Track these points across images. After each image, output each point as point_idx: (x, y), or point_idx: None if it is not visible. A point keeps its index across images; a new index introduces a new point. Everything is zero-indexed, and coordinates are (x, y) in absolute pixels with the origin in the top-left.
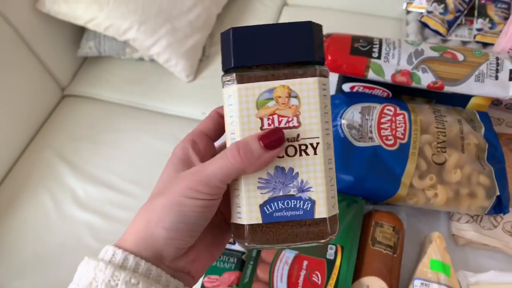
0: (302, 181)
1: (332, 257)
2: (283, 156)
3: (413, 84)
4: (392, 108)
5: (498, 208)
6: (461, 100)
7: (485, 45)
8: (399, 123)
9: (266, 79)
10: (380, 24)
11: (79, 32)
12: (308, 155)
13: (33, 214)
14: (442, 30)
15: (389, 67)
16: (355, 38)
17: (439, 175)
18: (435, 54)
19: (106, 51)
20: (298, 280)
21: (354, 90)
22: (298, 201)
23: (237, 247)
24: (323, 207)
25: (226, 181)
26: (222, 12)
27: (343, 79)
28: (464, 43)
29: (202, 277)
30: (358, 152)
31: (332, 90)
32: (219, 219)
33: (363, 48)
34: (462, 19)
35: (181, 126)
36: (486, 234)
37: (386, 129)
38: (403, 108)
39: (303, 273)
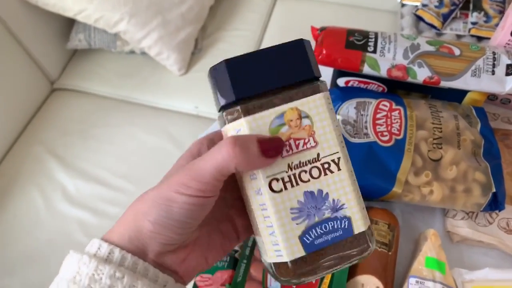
0: (333, 200)
1: None
2: (308, 180)
3: (409, 79)
4: (387, 104)
5: (494, 205)
6: (457, 95)
7: (480, 39)
8: (394, 119)
9: (273, 105)
10: (374, 17)
11: (69, 24)
12: (333, 172)
13: (23, 210)
14: (437, 23)
15: (384, 61)
16: (350, 32)
17: (435, 172)
18: (431, 48)
19: (96, 43)
20: None
21: (349, 84)
22: (335, 222)
23: None
24: (359, 221)
25: (219, 177)
26: (214, 4)
27: (338, 74)
28: (459, 36)
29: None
30: (353, 148)
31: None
32: (225, 226)
33: (358, 42)
34: (457, 13)
35: (173, 120)
36: (481, 231)
37: (381, 125)
38: (399, 103)
39: None
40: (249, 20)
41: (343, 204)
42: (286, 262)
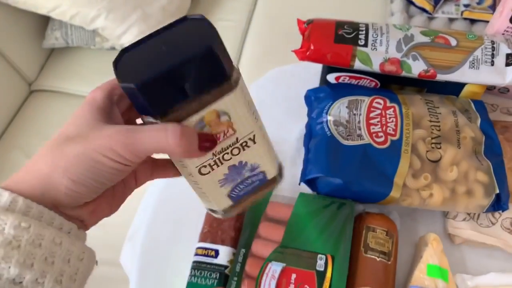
0: (251, 164)
1: (322, 268)
2: (231, 158)
3: (403, 73)
4: (381, 101)
5: (497, 205)
6: (455, 88)
7: (473, 21)
8: (389, 118)
9: (192, 112)
10: (363, 2)
11: (44, 22)
12: (250, 147)
13: None
14: (428, 7)
15: (377, 55)
16: (339, 24)
17: (434, 173)
18: (426, 39)
19: (74, 41)
20: None
21: (340, 80)
22: (253, 177)
23: (219, 261)
24: (271, 170)
25: (152, 154)
26: None
27: (328, 69)
28: (451, 20)
29: None
30: (347, 151)
31: (316, 82)
32: (128, 177)
33: (348, 35)
34: None
35: None
36: (484, 232)
37: (375, 125)
38: (393, 100)
39: (291, 287)
40: (234, 9)
41: (259, 164)
42: (217, 210)
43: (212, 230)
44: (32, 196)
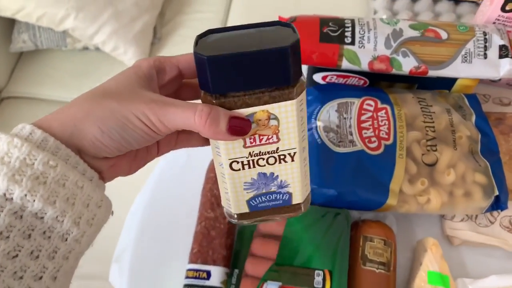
0: (281, 181)
1: (320, 285)
2: (264, 165)
3: (393, 71)
4: (372, 102)
5: (496, 205)
6: (447, 83)
7: (457, 2)
8: (381, 120)
9: (246, 105)
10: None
11: (9, 24)
12: (287, 162)
13: None
14: None
15: (365, 53)
16: (324, 21)
17: (431, 177)
18: (415, 33)
19: (43, 43)
20: None
21: (327, 80)
22: (278, 195)
23: (212, 283)
24: (299, 196)
25: (180, 129)
26: None
27: (314, 69)
28: (435, 1)
29: None
30: (339, 159)
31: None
32: (152, 144)
33: (333, 33)
34: None
35: None
36: (483, 232)
37: (367, 129)
38: (385, 100)
39: None
40: (211, 1)
41: (289, 184)
42: (233, 213)
43: (202, 249)
44: (61, 137)
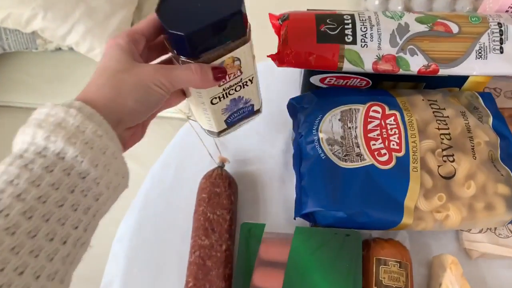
0: (246, 99)
1: None
2: (234, 93)
3: (401, 71)
4: (379, 109)
5: None
6: (457, 80)
7: None
8: (391, 129)
9: (217, 57)
10: None
11: None
12: (248, 86)
13: None
14: None
15: (368, 53)
16: (321, 18)
17: (448, 191)
18: (423, 28)
19: (11, 46)
20: None
21: (326, 82)
22: (245, 108)
23: None
24: (257, 104)
25: (182, 87)
26: None
27: (311, 71)
28: None
29: None
30: (347, 176)
31: (297, 89)
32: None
33: (332, 31)
34: None
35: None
36: (504, 244)
37: (376, 139)
38: (393, 105)
39: None
40: None
41: (251, 99)
42: (216, 131)
43: (198, 283)
44: (102, 112)
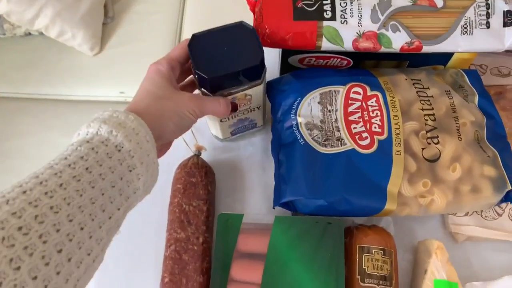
0: (251, 119)
1: None
2: (241, 115)
3: (382, 49)
4: (360, 90)
5: (506, 198)
6: (442, 57)
7: None
8: (372, 111)
9: (232, 94)
10: None
11: None
12: (254, 111)
13: None
14: None
15: (348, 30)
16: None
17: (433, 174)
18: (406, 2)
19: None
20: None
21: (304, 63)
22: (249, 125)
23: None
24: (260, 122)
25: (206, 115)
26: None
27: (289, 51)
28: None
29: None
30: (327, 162)
31: (276, 70)
32: None
33: (310, 7)
34: None
35: (95, 112)
36: (490, 226)
37: (357, 122)
38: (375, 86)
39: None
40: None
41: (255, 119)
42: (221, 138)
43: (174, 278)
44: (150, 127)
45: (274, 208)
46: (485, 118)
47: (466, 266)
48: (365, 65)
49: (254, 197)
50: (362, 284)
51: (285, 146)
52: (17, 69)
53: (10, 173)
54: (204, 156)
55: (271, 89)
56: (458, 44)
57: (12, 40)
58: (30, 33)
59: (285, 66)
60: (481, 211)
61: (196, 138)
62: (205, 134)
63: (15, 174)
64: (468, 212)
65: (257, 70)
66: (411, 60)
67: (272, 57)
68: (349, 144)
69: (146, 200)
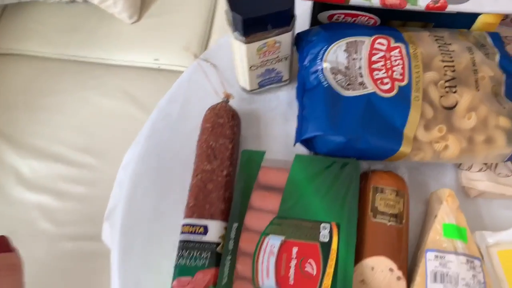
0: (278, 71)
1: (326, 239)
2: (269, 65)
3: (408, 6)
4: (384, 41)
5: None
6: (466, 20)
7: None
8: (395, 60)
9: (263, 38)
10: None
11: None
12: (282, 61)
13: None
14: None
15: None
16: None
17: (449, 122)
18: None
19: None
20: (288, 273)
21: (333, 19)
22: (275, 78)
23: (209, 237)
24: (286, 76)
25: None
26: None
27: (319, 8)
28: None
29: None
30: (348, 103)
31: (306, 23)
32: None
33: None
34: None
35: (131, 77)
36: (503, 183)
37: (379, 70)
38: (398, 39)
39: (293, 263)
40: None
41: (281, 72)
42: (248, 90)
43: (199, 203)
44: None
45: (294, 145)
46: (504, 75)
47: (476, 220)
48: (392, 25)
49: (276, 145)
50: (373, 219)
51: (309, 90)
52: (60, 32)
53: (48, 125)
54: (231, 104)
55: (300, 40)
56: (482, 4)
57: (57, 6)
58: (74, 1)
59: (314, 22)
60: (495, 167)
61: (226, 88)
62: (233, 87)
63: (52, 126)
64: (482, 168)
65: (287, 16)
66: (436, 22)
67: (302, 13)
68: (371, 88)
69: (177, 139)
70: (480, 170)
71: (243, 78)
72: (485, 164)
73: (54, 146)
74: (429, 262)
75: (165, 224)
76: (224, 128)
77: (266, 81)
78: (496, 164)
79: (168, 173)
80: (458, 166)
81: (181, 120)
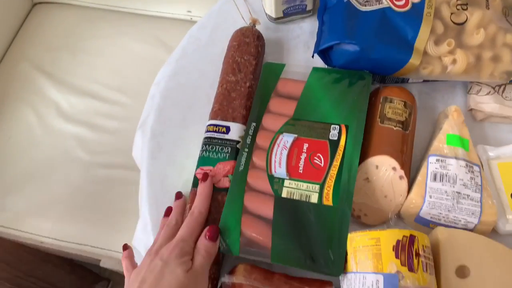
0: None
1: (335, 138)
2: None
3: None
4: None
5: None
6: None
7: None
8: None
9: None
10: None
11: None
12: None
13: (17, 130)
14: None
15: None
16: None
17: (458, 38)
18: None
19: None
20: (298, 164)
21: None
22: (300, 6)
23: (230, 136)
24: (310, 5)
25: None
26: None
27: None
28: None
29: (195, 169)
30: (365, 18)
31: None
32: None
33: None
34: None
35: (165, 27)
36: (510, 105)
37: None
38: None
39: (303, 156)
40: None
41: (305, 0)
42: (273, 17)
43: (223, 108)
44: None
45: (313, 56)
46: None
47: (481, 139)
48: None
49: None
50: (380, 124)
51: (329, 8)
52: None
53: (87, 65)
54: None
55: None
56: None
57: None
58: None
59: None
60: (503, 91)
61: (252, 15)
62: (260, 17)
63: (90, 67)
64: (489, 91)
65: None
66: None
67: None
68: (386, 3)
69: (206, 61)
70: (488, 94)
71: (269, 4)
72: (493, 88)
73: (91, 84)
74: (431, 165)
75: (190, 130)
76: (250, 47)
77: (290, 9)
78: (504, 88)
79: (195, 89)
80: (468, 91)
81: (210, 44)
